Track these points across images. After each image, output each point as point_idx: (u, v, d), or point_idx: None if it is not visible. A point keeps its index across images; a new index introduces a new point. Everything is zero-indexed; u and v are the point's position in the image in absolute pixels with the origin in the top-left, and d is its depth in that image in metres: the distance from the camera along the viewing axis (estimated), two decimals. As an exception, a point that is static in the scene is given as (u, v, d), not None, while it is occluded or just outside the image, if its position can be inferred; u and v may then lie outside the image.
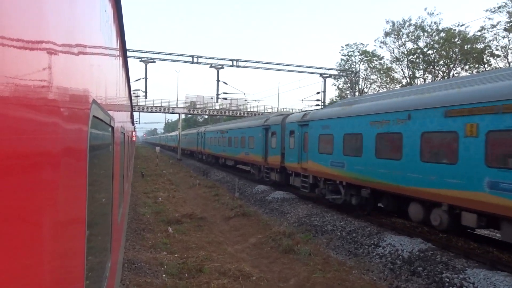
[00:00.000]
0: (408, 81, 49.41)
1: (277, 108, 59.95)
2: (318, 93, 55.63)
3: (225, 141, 30.52)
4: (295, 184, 18.04)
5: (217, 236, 12.43)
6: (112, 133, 3.25)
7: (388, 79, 53.01)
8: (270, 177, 21.09)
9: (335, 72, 57.58)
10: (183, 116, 60.46)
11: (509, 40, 40.37)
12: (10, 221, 0.83)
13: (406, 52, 49.40)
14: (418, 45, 47.96)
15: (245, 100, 59.95)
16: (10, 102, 0.79)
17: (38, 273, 1.05)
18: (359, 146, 12.45)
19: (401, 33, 48.75)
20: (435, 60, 46.64)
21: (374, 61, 54.65)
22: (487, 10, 40.01)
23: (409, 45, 49.05)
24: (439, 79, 45.64)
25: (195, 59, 50.51)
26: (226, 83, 54.46)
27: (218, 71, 53.57)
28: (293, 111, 36.72)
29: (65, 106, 1.28)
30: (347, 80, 57.91)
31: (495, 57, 41.66)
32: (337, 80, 58.92)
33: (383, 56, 53.89)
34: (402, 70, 51.44)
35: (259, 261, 10.37)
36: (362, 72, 57.06)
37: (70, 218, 1.45)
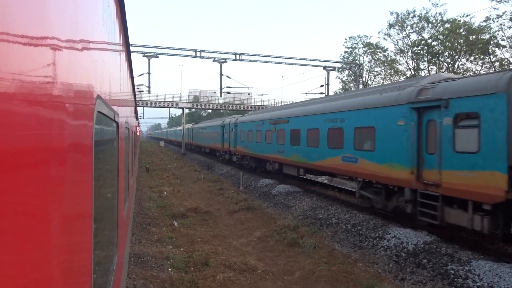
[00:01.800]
0: (413, 73, 49.04)
1: (281, 101, 59.75)
2: (322, 86, 55.45)
3: (281, 136, 19.80)
4: None
5: (222, 230, 12.49)
6: (116, 128, 3.26)
7: (392, 71, 52.62)
8: (444, 219, 9.49)
9: (339, 65, 57.21)
10: (186, 110, 60.43)
11: (515, 30, 39.92)
12: (18, 217, 0.84)
13: (410, 44, 48.94)
14: (422, 37, 47.49)
15: (249, 94, 59.85)
16: (15, 98, 0.80)
17: (46, 267, 1.06)
18: None
19: (405, 24, 48.29)
20: (440, 51, 46.17)
21: (378, 53, 54.21)
22: (492, 0, 39.36)
23: (414, 36, 48.63)
24: (444, 71, 45.26)
25: (198, 53, 50.36)
26: (229, 77, 54.40)
27: (221, 65, 53.48)
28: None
29: (69, 102, 1.29)
30: (351, 72, 57.58)
31: (501, 48, 41.17)
32: (341, 73, 58.58)
33: (387, 48, 53.40)
34: (406, 62, 51.01)
35: (264, 255, 10.42)
36: (366, 65, 56.71)
37: (76, 213, 1.46)
